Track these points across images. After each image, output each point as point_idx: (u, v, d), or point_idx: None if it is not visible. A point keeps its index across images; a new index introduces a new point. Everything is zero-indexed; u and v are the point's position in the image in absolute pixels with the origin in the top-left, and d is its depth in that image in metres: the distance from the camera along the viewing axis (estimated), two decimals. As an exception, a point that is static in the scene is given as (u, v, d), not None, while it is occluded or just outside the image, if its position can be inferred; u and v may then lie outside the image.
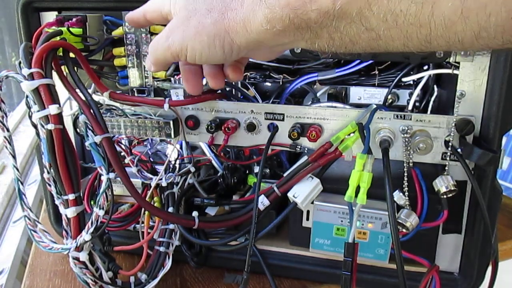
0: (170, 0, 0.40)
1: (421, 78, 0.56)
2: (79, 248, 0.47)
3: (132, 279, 0.53)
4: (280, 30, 0.33)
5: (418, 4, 0.27)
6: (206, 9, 0.36)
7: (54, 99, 0.43)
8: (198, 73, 0.45)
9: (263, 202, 0.51)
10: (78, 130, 0.53)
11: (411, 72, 0.56)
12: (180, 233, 0.56)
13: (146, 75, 0.52)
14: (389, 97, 0.59)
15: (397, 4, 0.28)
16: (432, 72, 0.55)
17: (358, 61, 0.55)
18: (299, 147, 0.51)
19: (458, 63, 0.47)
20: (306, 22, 0.32)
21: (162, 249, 0.55)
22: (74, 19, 0.49)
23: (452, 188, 0.48)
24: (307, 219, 0.56)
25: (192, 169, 0.57)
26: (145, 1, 0.50)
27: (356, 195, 0.45)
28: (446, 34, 0.28)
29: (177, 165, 0.58)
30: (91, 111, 0.46)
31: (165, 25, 0.40)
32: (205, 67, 0.45)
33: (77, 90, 0.46)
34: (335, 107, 0.58)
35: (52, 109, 0.43)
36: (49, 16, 0.54)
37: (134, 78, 0.52)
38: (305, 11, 0.31)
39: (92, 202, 0.59)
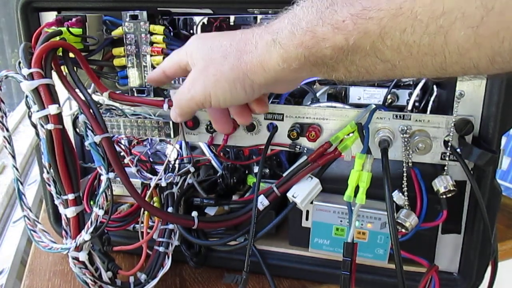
0: (186, 52, 0.42)
1: (421, 78, 0.56)
2: (78, 248, 0.47)
3: (131, 279, 0.53)
4: (297, 68, 0.34)
5: (431, 35, 0.27)
6: (221, 56, 0.38)
7: (54, 99, 0.43)
8: (225, 113, 0.47)
9: (262, 202, 0.51)
10: (77, 130, 0.53)
11: (411, 72, 0.56)
12: (179, 233, 0.57)
13: (145, 75, 0.52)
14: (389, 97, 0.59)
15: (410, 36, 0.28)
16: (432, 72, 0.55)
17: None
18: (299, 147, 0.51)
19: (458, 63, 0.47)
20: (321, 58, 0.32)
21: (161, 249, 0.55)
22: (73, 19, 0.49)
23: (451, 188, 0.48)
24: (307, 219, 0.56)
25: (192, 169, 0.57)
26: (144, 1, 0.50)
27: (355, 195, 0.45)
28: (461, 61, 0.28)
29: (176, 165, 0.58)
30: (91, 111, 0.46)
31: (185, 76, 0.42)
32: (231, 107, 0.46)
33: (77, 90, 0.46)
34: (334, 107, 0.58)
35: (52, 109, 0.43)
36: (49, 16, 0.54)
37: (134, 78, 0.52)
38: (319, 49, 0.32)
39: (91, 202, 0.59)
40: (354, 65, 0.32)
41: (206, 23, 0.65)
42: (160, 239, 0.56)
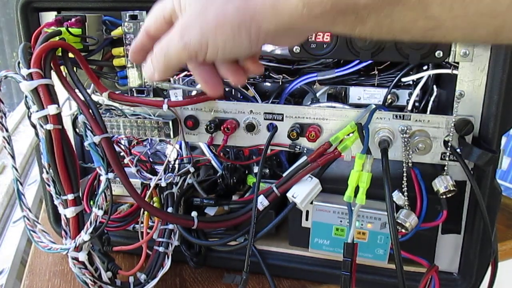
0: None
1: (421, 78, 0.56)
2: (78, 248, 0.47)
3: (131, 279, 0.53)
4: (318, 14, 0.29)
5: None
6: None
7: (53, 99, 0.43)
8: (215, 71, 0.39)
9: (262, 202, 0.51)
10: (77, 130, 0.53)
11: (411, 72, 0.56)
12: (179, 233, 0.56)
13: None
14: (389, 97, 0.59)
15: None
16: (432, 72, 0.55)
17: (357, 61, 0.55)
18: (299, 147, 0.51)
19: (458, 63, 0.47)
20: (352, 6, 0.27)
21: (161, 249, 0.55)
22: (73, 19, 0.49)
23: (452, 188, 0.48)
24: (307, 219, 0.55)
25: (192, 169, 0.57)
26: (144, 1, 0.50)
27: (355, 195, 0.45)
28: None
29: (176, 165, 0.58)
30: (90, 111, 0.46)
31: None
32: (223, 65, 0.39)
33: (76, 90, 0.46)
34: (334, 107, 0.58)
35: (51, 109, 0.43)
36: (49, 16, 0.54)
37: (133, 78, 0.52)
38: None
39: (91, 202, 0.59)
40: (389, 18, 0.27)
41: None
42: (160, 239, 0.56)
